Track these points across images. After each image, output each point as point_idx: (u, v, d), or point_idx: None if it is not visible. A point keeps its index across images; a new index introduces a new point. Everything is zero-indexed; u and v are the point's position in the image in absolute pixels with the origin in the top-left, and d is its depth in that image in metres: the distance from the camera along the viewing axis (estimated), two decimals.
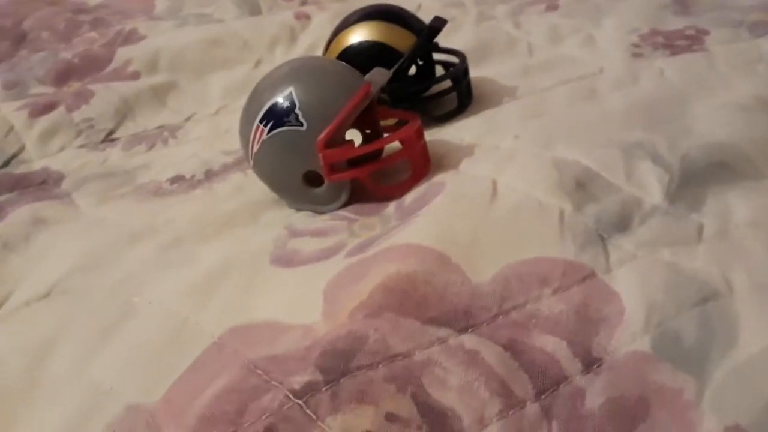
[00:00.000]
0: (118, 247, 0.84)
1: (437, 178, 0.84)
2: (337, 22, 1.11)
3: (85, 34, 1.53)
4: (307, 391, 0.56)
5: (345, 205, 0.86)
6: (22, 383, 0.67)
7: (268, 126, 0.84)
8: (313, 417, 0.55)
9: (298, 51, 1.39)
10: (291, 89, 0.84)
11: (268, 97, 0.85)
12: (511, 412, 0.55)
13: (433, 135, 0.97)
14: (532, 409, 0.55)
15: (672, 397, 0.54)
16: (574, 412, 0.55)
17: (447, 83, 1.08)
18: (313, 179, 0.86)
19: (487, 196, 0.76)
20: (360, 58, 1.00)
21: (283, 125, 0.83)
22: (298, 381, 0.57)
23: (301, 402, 0.56)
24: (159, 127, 1.21)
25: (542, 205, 0.74)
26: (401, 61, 1.02)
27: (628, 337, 0.59)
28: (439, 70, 1.13)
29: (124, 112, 1.24)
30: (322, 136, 0.82)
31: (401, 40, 1.04)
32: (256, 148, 0.86)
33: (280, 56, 1.37)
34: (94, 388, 0.64)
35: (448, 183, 0.81)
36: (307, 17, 1.48)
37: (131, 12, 1.65)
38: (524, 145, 0.88)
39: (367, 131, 0.95)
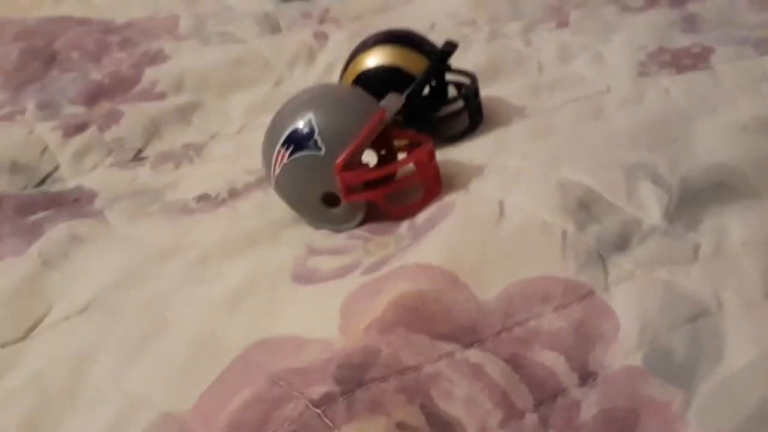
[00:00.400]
0: (150, 264, 0.90)
1: (448, 199, 0.89)
2: (353, 41, 1.17)
3: (113, 54, 1.60)
4: (325, 401, 0.61)
5: (361, 224, 0.92)
6: (63, 393, 0.72)
7: (289, 150, 0.90)
8: (331, 425, 0.60)
9: (317, 70, 1.44)
10: (311, 116, 0.89)
11: (289, 122, 0.91)
12: (511, 422, 0.60)
13: (444, 155, 1.01)
14: (531, 419, 0.60)
15: (661, 409, 0.59)
16: (569, 422, 0.60)
17: (458, 103, 1.13)
18: (331, 200, 0.91)
19: (494, 216, 0.81)
20: (375, 81, 1.06)
21: (303, 149, 0.89)
22: (317, 392, 0.62)
23: (319, 411, 0.61)
24: (185, 146, 1.27)
25: (546, 225, 0.78)
26: (413, 85, 1.07)
27: (622, 353, 0.64)
28: (452, 90, 1.18)
29: (152, 131, 1.29)
30: (339, 160, 0.88)
31: (414, 63, 1.09)
32: (277, 171, 0.92)
33: (299, 75, 1.42)
34: (130, 397, 0.70)
35: (457, 204, 0.86)
36: (325, 36, 1.53)
37: (156, 30, 1.71)
38: (531, 165, 0.93)
39: (382, 152, 1.00)
